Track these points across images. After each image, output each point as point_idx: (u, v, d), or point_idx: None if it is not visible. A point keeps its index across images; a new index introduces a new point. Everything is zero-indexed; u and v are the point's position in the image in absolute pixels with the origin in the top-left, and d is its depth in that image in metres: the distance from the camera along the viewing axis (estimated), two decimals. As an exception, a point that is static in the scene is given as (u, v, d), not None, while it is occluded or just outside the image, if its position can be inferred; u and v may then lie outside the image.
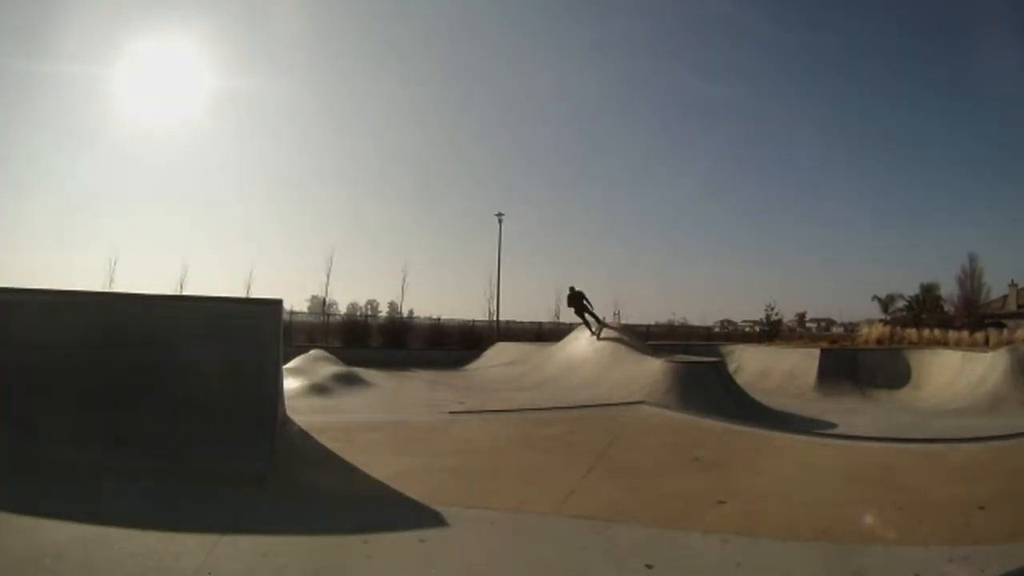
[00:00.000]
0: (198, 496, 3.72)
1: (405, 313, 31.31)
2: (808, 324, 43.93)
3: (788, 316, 39.47)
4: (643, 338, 18.59)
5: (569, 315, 31.88)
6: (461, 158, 54.04)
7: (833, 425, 10.12)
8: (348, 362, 13.95)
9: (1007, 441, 5.33)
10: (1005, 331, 25.34)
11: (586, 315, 16.32)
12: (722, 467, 4.77)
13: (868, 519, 3.38)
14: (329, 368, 12.62)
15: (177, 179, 48.33)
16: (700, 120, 52.54)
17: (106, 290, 20.17)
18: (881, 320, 33.99)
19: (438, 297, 63.50)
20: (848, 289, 63.32)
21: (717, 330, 41.53)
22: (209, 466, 4.21)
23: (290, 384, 8.99)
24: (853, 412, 12.28)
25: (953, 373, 15.14)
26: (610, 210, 55.33)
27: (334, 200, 51.11)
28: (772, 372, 16.63)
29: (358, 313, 33.83)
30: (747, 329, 41.49)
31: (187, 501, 3.62)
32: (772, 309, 34.70)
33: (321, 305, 30.41)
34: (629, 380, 12.09)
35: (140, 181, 46.30)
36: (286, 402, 5.74)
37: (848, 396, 14.67)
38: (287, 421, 5.49)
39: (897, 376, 16.07)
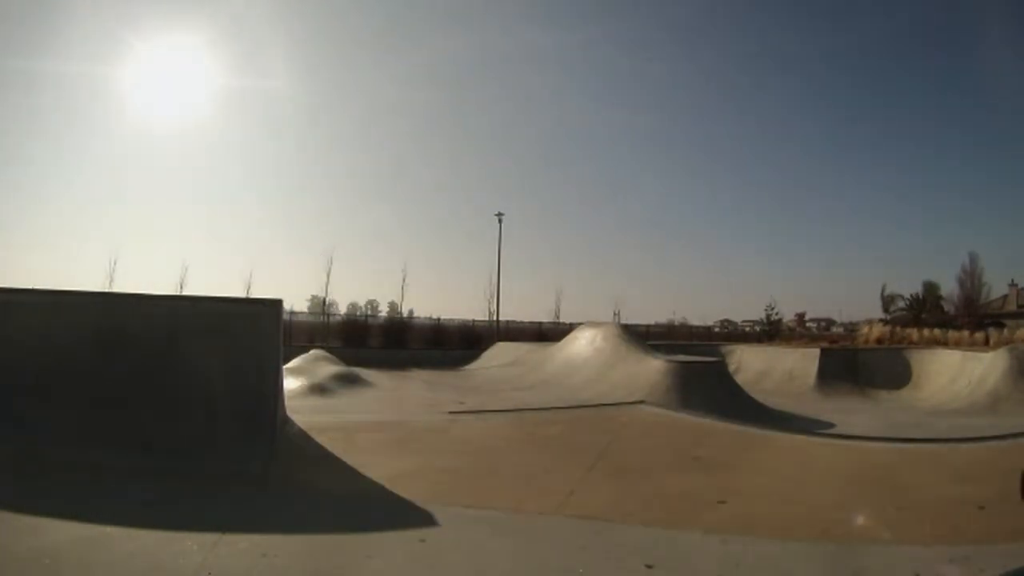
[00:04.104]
0: (198, 496, 3.72)
1: (405, 313, 31.34)
2: (808, 324, 43.89)
3: (788, 316, 39.42)
4: (643, 338, 18.59)
5: (569, 315, 31.90)
6: (461, 158, 54.09)
7: (833, 425, 10.13)
8: (348, 362, 13.94)
9: (1007, 441, 5.33)
10: (1005, 331, 25.31)
11: None
12: (722, 467, 4.77)
13: (868, 519, 3.38)
14: (329, 368, 12.62)
15: (177, 179, 48.34)
16: (701, 120, 52.58)
17: (106, 290, 20.18)
18: (881, 320, 33.94)
19: (438, 297, 63.49)
20: (848, 289, 63.32)
21: (717, 330, 41.52)
22: (209, 466, 4.21)
23: (290, 384, 8.99)
24: (853, 412, 12.28)
25: (953, 373, 15.14)
26: (610, 210, 55.36)
27: (334, 200, 51.13)
28: (772, 372, 16.63)
29: (358, 313, 33.84)
30: (747, 329, 41.46)
31: (187, 501, 3.62)
32: (772, 309, 34.66)
33: (321, 305, 30.41)
34: (629, 380, 12.10)
35: (140, 181, 46.33)
36: (286, 402, 5.74)
37: (848, 396, 14.67)
38: (287, 421, 5.49)
39: (897, 376, 16.07)
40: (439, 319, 28.81)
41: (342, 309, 34.10)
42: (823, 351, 16.99)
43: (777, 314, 34.94)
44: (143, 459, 4.22)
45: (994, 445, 5.24)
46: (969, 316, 31.90)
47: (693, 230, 55.76)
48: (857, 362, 16.76)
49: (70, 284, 30.91)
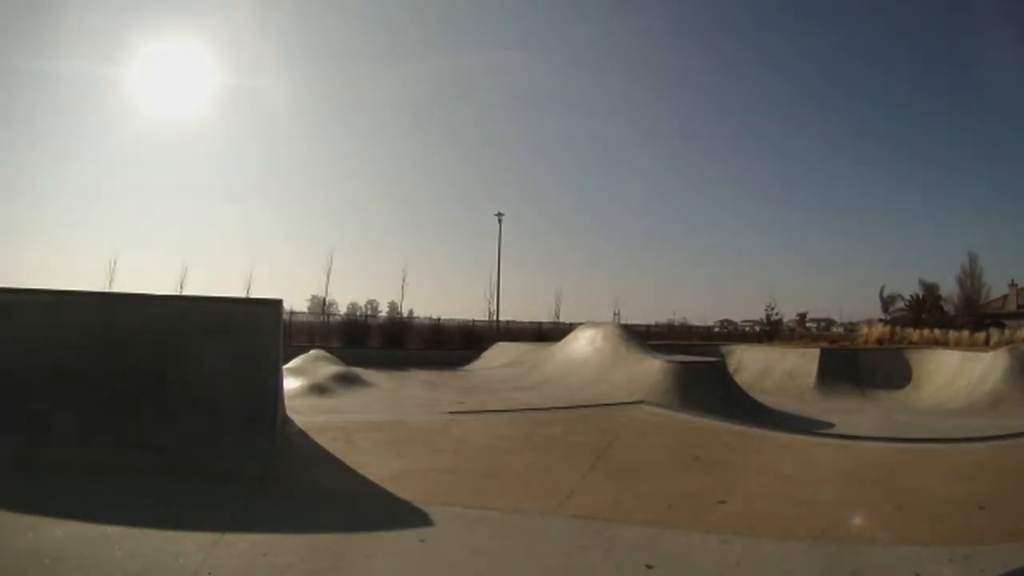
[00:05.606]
0: (198, 496, 3.72)
1: (405, 313, 31.31)
2: (808, 324, 43.85)
3: (788, 316, 39.34)
4: (643, 338, 18.58)
5: (569, 315, 31.86)
6: (461, 158, 54.08)
7: (833, 425, 10.13)
8: (348, 362, 13.94)
9: (1007, 441, 5.33)
10: (1007, 331, 25.27)
11: None
12: (722, 467, 4.77)
13: (868, 519, 3.38)
14: (329, 368, 12.62)
15: (177, 179, 48.36)
16: (701, 120, 52.60)
17: (106, 290, 20.18)
18: (881, 320, 33.91)
19: (438, 297, 63.55)
20: (848, 289, 63.36)
21: (717, 330, 41.46)
22: (209, 466, 4.21)
23: (290, 384, 8.99)
24: (853, 412, 12.28)
25: (953, 373, 15.13)
26: (610, 210, 55.36)
27: (334, 200, 51.15)
28: (772, 372, 16.62)
29: (358, 313, 33.81)
30: (747, 329, 41.44)
31: (187, 501, 3.62)
32: (772, 309, 34.60)
33: (321, 305, 30.42)
34: (629, 380, 12.09)
35: (140, 181, 46.35)
36: (286, 402, 5.75)
37: (848, 396, 14.67)
38: (287, 421, 5.50)
39: (897, 376, 16.06)
40: (439, 319, 28.80)
41: (342, 309, 34.11)
42: (823, 351, 16.97)
43: (777, 314, 34.91)
44: (143, 459, 4.23)
45: (994, 445, 5.24)
46: (969, 316, 31.88)
47: (693, 230, 55.80)
48: (857, 362, 16.75)
49: (70, 284, 30.91)
